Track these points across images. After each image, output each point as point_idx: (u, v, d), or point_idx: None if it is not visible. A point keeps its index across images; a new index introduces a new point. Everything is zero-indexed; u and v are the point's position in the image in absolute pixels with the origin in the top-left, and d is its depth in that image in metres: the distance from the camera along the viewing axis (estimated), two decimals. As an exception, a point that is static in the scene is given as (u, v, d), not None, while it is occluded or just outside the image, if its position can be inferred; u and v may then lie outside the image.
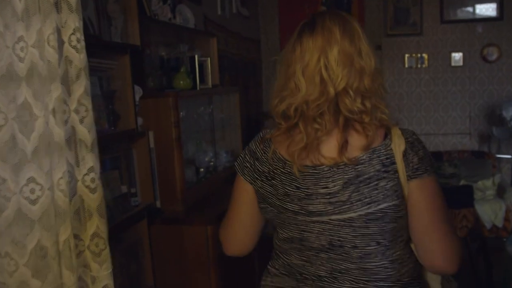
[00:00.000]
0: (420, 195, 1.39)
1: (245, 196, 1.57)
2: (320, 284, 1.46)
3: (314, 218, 1.42)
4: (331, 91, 1.38)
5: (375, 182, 1.37)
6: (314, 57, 1.40)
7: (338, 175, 1.39)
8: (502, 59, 6.43)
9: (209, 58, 3.65)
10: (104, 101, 2.69)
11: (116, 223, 2.61)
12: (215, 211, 3.06)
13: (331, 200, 1.39)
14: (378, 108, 1.43)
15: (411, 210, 1.41)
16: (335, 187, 1.39)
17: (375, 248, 1.41)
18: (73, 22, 1.51)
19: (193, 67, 3.41)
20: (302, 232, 1.45)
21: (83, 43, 1.55)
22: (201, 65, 3.58)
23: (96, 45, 2.55)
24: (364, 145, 1.39)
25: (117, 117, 2.76)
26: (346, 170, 1.39)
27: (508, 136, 6.17)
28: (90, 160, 1.60)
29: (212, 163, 3.74)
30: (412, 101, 6.67)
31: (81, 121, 1.57)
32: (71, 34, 1.52)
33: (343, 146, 1.39)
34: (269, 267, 1.62)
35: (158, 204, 3.05)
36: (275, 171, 1.46)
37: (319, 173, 1.41)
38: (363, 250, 1.41)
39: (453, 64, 6.55)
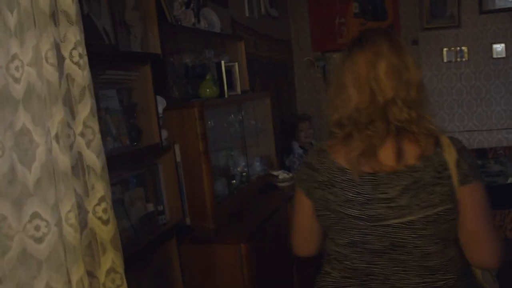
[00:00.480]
0: (470, 199, 1.51)
1: (304, 207, 1.68)
2: (388, 282, 1.56)
3: (374, 223, 1.52)
4: (380, 100, 1.49)
5: (431, 188, 1.48)
6: (363, 70, 1.51)
7: (396, 181, 1.49)
8: (548, 49, 6.08)
9: (236, 63, 3.47)
10: (125, 115, 2.52)
11: (143, 246, 2.45)
12: (249, 227, 2.88)
13: (391, 205, 1.49)
14: (424, 118, 1.53)
15: (463, 213, 1.52)
16: (394, 193, 1.49)
17: (433, 248, 1.53)
18: (73, 36, 1.34)
19: (220, 73, 3.23)
20: (364, 236, 1.54)
21: (85, 58, 1.38)
22: (229, 71, 3.40)
23: (113, 56, 2.40)
24: (418, 154, 1.50)
25: (139, 132, 2.59)
26: (404, 177, 1.49)
27: (558, 130, 5.81)
28: (100, 189, 1.42)
29: (244, 173, 3.55)
30: (452, 97, 6.37)
31: (88, 145, 1.39)
32: (72, 49, 1.34)
33: (400, 153, 1.50)
34: (328, 269, 1.68)
35: (187, 221, 2.88)
36: (335, 179, 1.55)
37: (377, 179, 1.51)
38: (424, 250, 1.52)
39: (495, 56, 6.21)
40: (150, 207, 2.66)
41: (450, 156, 1.50)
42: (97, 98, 2.37)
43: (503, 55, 6.17)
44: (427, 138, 1.52)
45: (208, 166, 2.83)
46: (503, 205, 5.47)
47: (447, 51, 6.29)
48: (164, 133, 2.78)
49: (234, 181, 3.38)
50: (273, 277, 3.10)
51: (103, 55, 2.32)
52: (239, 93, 3.47)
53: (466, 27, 6.22)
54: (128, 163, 2.52)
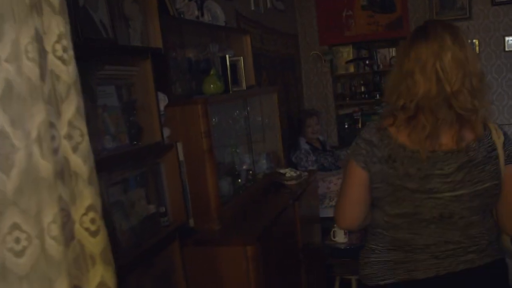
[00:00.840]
0: None
1: (360, 179, 1.77)
2: (428, 250, 1.75)
3: (428, 195, 1.69)
4: (448, 89, 1.64)
5: (482, 166, 1.69)
6: (430, 60, 1.65)
7: (452, 160, 1.68)
8: (561, 41, 5.90)
9: (241, 58, 3.32)
10: (124, 113, 2.38)
11: (144, 249, 2.31)
12: (255, 228, 2.73)
13: (446, 180, 1.68)
14: (484, 107, 1.70)
15: (506, 188, 1.75)
16: (450, 170, 1.68)
17: (476, 218, 1.74)
18: (57, 27, 1.19)
19: (225, 68, 3.09)
20: (416, 207, 1.72)
21: (71, 52, 1.23)
22: (234, 66, 3.26)
23: (111, 50, 2.26)
24: (473, 138, 1.70)
25: (139, 130, 2.45)
26: (460, 156, 1.68)
27: None
28: (88, 196, 1.28)
29: (250, 172, 3.41)
30: (463, 91, 6.19)
31: (75, 149, 1.25)
32: (55, 42, 1.20)
33: (456, 135, 1.69)
34: (371, 245, 1.86)
35: (191, 222, 2.74)
36: (396, 155, 1.70)
37: (436, 157, 1.69)
38: (468, 220, 1.73)
39: (507, 49, 6.04)
40: (152, 208, 2.52)
41: (498, 139, 1.72)
42: (95, 95, 2.26)
43: (516, 48, 6.00)
44: (480, 124, 1.71)
45: (212, 165, 2.69)
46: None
47: (457, 44, 6.11)
48: (166, 131, 2.64)
49: (240, 179, 3.24)
50: (281, 279, 2.97)
51: (100, 49, 2.18)
52: (245, 88, 3.32)
53: (478, 19, 6.05)
54: (128, 162, 2.39)
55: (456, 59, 1.64)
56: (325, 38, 6.50)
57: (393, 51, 6.50)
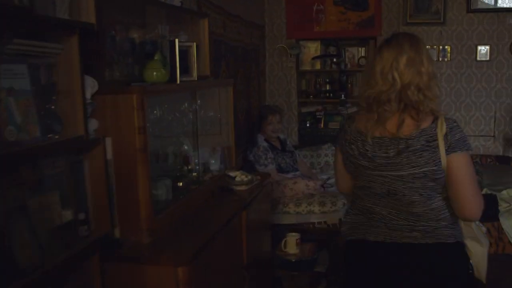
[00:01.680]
0: (455, 164, 1.97)
1: (338, 158, 2.27)
2: (383, 220, 2.09)
3: (377, 172, 2.05)
4: (398, 84, 1.99)
5: (420, 153, 1.97)
6: (388, 63, 2.01)
7: (394, 145, 2.01)
8: (534, 55, 5.62)
9: (194, 44, 2.87)
10: (38, 99, 1.90)
11: (53, 266, 1.86)
12: (193, 244, 2.30)
13: (388, 161, 2.02)
14: (431, 100, 2.00)
15: (449, 175, 1.98)
16: (391, 153, 2.01)
17: (418, 198, 2.02)
18: None
19: (173, 54, 2.64)
20: (370, 182, 2.09)
21: None
22: (185, 52, 2.80)
23: (22, 20, 1.79)
24: (415, 126, 1.99)
25: (58, 121, 1.99)
26: (400, 142, 2.00)
27: (539, 142, 5.37)
28: None
29: (195, 174, 2.98)
30: (431, 98, 5.87)
31: None
32: None
33: (400, 125, 2.00)
34: (348, 209, 2.30)
35: (117, 233, 2.29)
36: (354, 138, 2.11)
37: (383, 142, 2.04)
38: (410, 198, 2.02)
39: (478, 58, 5.75)
40: (68, 215, 2.07)
41: (441, 131, 1.97)
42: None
43: (487, 58, 5.72)
44: (428, 116, 2.00)
45: (145, 167, 2.24)
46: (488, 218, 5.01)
47: (429, 49, 5.78)
48: (94, 124, 2.18)
49: (181, 183, 2.79)
50: None
51: (5, 18, 1.71)
52: (195, 79, 2.87)
53: (451, 25, 5.74)
54: (38, 160, 1.93)
55: (410, 61, 1.99)
56: (293, 31, 6.08)
57: (362, 51, 6.14)
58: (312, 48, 6.18)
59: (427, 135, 1.97)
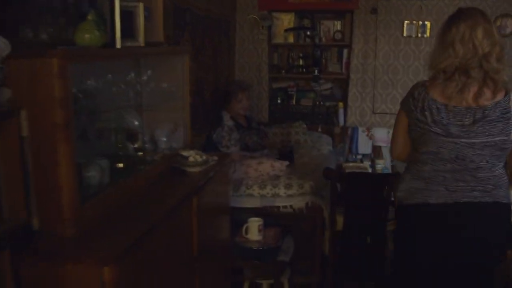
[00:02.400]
0: None
1: (403, 123, 2.43)
2: (445, 183, 2.31)
3: (450, 139, 2.25)
4: (480, 52, 2.20)
5: (495, 123, 2.22)
6: (467, 32, 2.21)
7: (470, 114, 2.23)
8: (517, 33, 5.31)
9: (141, 4, 2.47)
10: None
11: None
12: (128, 237, 1.94)
13: (463, 129, 2.23)
14: (503, 70, 2.25)
15: None
16: (467, 122, 2.23)
17: (484, 164, 2.28)
18: None
19: (112, 14, 2.24)
20: (439, 148, 2.28)
21: None
22: (129, 14, 2.41)
23: None
24: (492, 97, 2.24)
25: (-47, 88, 1.61)
26: (477, 112, 2.22)
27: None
28: None
29: (140, 153, 2.60)
30: (408, 77, 5.55)
31: None
32: None
33: (479, 95, 2.22)
34: (403, 175, 2.53)
35: (35, 224, 1.91)
36: (428, 106, 2.26)
37: (459, 111, 2.24)
38: (478, 164, 2.27)
39: (459, 35, 5.41)
40: (-30, 202, 1.70)
41: None
42: None
43: (468, 35, 5.36)
44: (501, 89, 2.25)
45: (68, 146, 1.85)
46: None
47: (408, 24, 5.47)
48: (5, 93, 1.79)
49: (122, 164, 2.41)
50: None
51: None
52: (142, 44, 2.48)
53: (432, -1, 5.37)
54: None
55: (486, 31, 2.21)
56: (265, 2, 5.67)
57: (338, 24, 5.76)
58: (286, 21, 5.78)
59: (501, 107, 2.23)
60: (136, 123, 2.71)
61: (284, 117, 5.73)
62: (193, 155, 2.80)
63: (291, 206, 3.77)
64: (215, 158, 2.96)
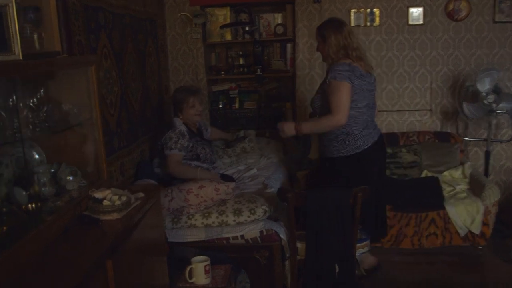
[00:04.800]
0: None
1: (347, 89, 3.22)
2: (374, 125, 3.54)
3: (371, 93, 3.39)
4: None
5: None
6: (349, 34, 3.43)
7: (370, 78, 3.45)
8: (472, 17, 4.80)
9: (13, 2, 1.75)
10: None
11: None
12: None
13: (371, 87, 3.44)
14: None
15: None
16: (372, 81, 3.47)
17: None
18: None
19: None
20: (369, 100, 3.38)
21: None
22: (-4, 16, 1.69)
23: None
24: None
25: None
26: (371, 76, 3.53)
27: (482, 115, 4.59)
28: None
29: (32, 206, 1.89)
30: (359, 70, 4.97)
31: None
32: None
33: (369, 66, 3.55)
34: (348, 131, 3.34)
35: None
36: (360, 73, 3.31)
37: (366, 75, 3.36)
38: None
39: (410, 22, 4.87)
40: None
41: None
42: None
43: (421, 21, 4.89)
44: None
45: None
46: (419, 205, 4.19)
47: (355, 12, 4.90)
48: None
49: (5, 217, 1.69)
50: None
51: None
52: (19, 57, 1.75)
53: (380, -17, 4.81)
54: None
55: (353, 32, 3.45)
56: (197, -4, 4.98)
57: (279, 17, 5.13)
58: (221, 16, 5.10)
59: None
60: (37, 156, 2.00)
61: (228, 122, 5.07)
62: (109, 196, 2.10)
63: (242, 236, 3.11)
64: (141, 195, 2.27)
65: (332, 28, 3.31)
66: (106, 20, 3.48)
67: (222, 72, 5.25)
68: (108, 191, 2.13)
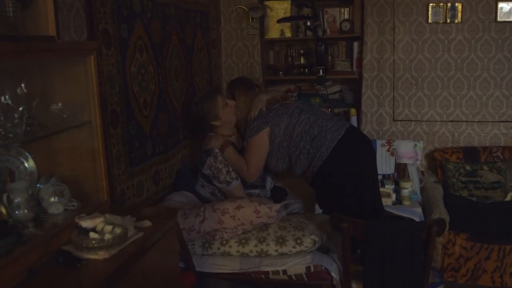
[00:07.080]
0: None
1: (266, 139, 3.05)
2: None
3: None
4: None
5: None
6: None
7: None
8: None
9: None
10: None
11: None
12: None
13: None
14: None
15: None
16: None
17: None
18: None
19: None
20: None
21: None
22: None
23: None
24: None
25: None
26: None
27: None
28: None
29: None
30: (436, 73, 4.26)
31: None
32: None
33: None
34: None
35: None
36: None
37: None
38: None
39: (499, 18, 4.12)
40: None
41: None
42: None
43: (511, 18, 4.06)
44: None
45: None
46: (501, 236, 3.47)
47: (433, 7, 4.18)
48: None
49: None
50: None
51: None
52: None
53: (465, -28, 4.09)
54: None
55: None
56: (255, -13, 4.42)
57: (346, 12, 4.50)
58: (281, 10, 4.53)
59: None
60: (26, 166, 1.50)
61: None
62: (100, 226, 1.56)
63: (284, 271, 2.51)
64: (145, 224, 1.72)
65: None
66: (143, 8, 2.98)
67: (281, 72, 4.68)
68: (100, 219, 1.59)
